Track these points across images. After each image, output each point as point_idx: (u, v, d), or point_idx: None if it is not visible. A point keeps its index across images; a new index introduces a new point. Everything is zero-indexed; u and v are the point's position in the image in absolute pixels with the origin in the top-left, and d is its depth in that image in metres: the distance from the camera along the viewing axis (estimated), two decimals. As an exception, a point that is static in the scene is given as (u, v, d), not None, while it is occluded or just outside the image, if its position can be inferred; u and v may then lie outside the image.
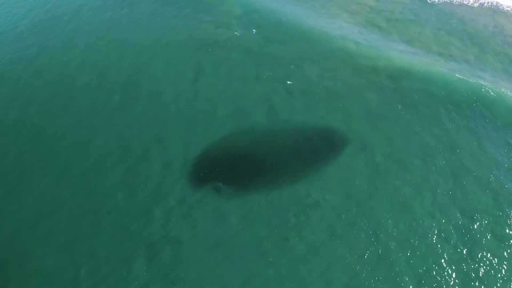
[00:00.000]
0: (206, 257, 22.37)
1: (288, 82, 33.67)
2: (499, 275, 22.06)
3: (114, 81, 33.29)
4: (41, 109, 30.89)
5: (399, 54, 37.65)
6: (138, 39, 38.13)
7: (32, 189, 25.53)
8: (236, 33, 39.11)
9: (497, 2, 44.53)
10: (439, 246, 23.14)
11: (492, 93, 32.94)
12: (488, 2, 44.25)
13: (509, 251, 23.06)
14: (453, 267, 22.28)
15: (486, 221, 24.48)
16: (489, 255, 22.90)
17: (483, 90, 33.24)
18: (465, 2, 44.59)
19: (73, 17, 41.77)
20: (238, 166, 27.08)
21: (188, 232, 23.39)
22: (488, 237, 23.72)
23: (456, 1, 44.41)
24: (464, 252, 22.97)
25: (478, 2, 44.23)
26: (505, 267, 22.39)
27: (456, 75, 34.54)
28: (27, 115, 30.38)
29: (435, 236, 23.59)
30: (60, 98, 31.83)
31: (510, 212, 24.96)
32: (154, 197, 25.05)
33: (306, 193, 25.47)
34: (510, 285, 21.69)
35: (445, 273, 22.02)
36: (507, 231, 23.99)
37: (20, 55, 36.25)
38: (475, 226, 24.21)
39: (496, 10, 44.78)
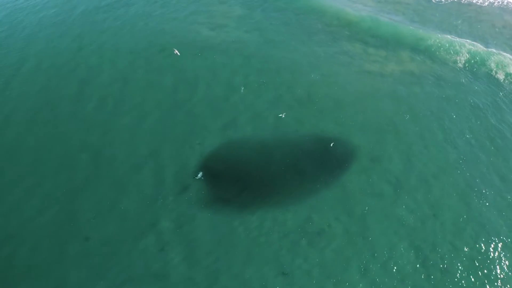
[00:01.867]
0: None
1: (287, 89, 30.59)
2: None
3: (101, 89, 30.69)
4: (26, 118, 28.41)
5: (400, 55, 34.78)
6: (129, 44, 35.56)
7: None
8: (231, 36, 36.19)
9: (507, 1, 41.42)
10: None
11: None
12: (498, 1, 41.13)
13: None
14: None
15: None
16: None
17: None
18: (474, 1, 41.46)
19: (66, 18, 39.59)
20: (227, 185, 24.12)
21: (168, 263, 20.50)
22: None
23: (464, 0, 41.32)
24: None
25: (488, 1, 41.12)
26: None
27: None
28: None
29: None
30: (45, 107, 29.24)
31: None
32: (144, 219, 22.36)
33: (307, 218, 22.11)
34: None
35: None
36: None
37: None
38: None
39: (506, 10, 41.72)
